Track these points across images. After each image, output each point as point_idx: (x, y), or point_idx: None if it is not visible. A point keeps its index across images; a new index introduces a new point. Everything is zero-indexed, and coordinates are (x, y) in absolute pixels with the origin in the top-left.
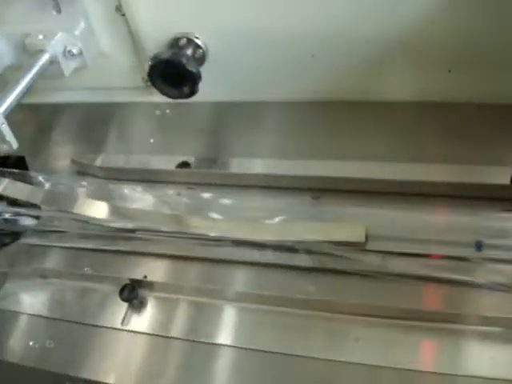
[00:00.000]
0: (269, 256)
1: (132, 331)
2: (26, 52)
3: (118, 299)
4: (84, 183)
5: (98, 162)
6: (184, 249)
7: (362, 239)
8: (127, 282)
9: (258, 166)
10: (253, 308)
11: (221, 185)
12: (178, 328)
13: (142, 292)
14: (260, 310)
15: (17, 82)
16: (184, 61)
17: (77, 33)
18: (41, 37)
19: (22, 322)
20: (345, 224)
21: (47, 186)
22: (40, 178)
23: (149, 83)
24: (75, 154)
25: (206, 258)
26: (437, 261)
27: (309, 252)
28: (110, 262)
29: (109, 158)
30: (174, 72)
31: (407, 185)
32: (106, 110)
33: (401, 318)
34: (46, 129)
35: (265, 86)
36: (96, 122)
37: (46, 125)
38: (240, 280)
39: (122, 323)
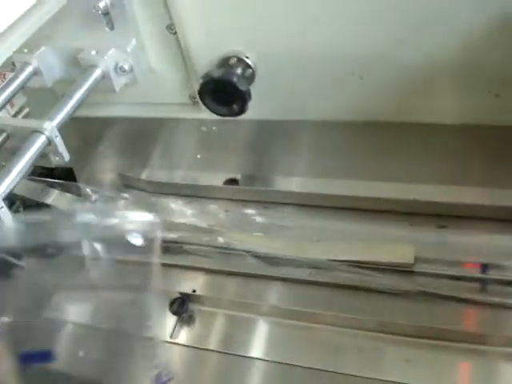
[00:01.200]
0: (320, 275)
1: (180, 344)
2: (78, 67)
3: (166, 312)
4: (131, 196)
5: (144, 176)
6: (230, 264)
7: (411, 260)
8: (176, 295)
9: (303, 185)
10: (299, 325)
11: (268, 202)
12: (224, 342)
13: (191, 306)
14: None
15: (70, 96)
16: (235, 80)
17: (128, 50)
18: (94, 52)
19: (71, 333)
20: (393, 245)
21: (94, 197)
22: (88, 189)
23: (196, 100)
24: (122, 168)
25: (252, 273)
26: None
27: (351, 271)
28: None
29: (155, 172)
30: (224, 90)
31: (451, 207)
32: (153, 125)
33: (449, 339)
34: (94, 142)
35: (311, 106)
36: (143, 136)
37: (94, 138)
38: (285, 296)
39: (171, 336)
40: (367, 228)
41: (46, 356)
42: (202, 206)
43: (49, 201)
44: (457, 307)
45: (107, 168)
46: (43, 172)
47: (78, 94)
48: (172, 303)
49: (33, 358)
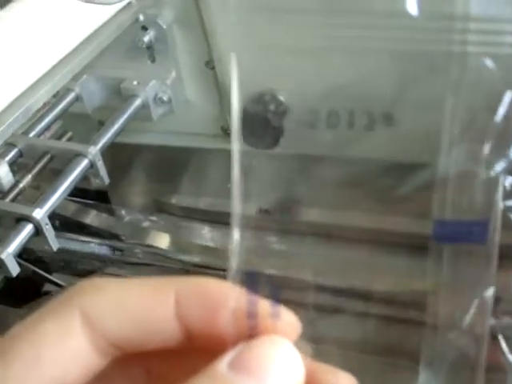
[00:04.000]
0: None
1: None
2: (119, 95)
3: None
4: (160, 219)
5: (176, 201)
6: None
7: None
8: None
9: (331, 216)
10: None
11: (295, 232)
12: None
13: None
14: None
15: (112, 123)
16: (269, 116)
17: (168, 82)
18: (135, 83)
19: None
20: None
21: (127, 219)
22: (122, 211)
23: (228, 132)
24: (154, 193)
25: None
26: None
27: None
28: None
29: (186, 199)
30: (258, 125)
31: None
32: (186, 153)
33: None
34: (128, 167)
35: (341, 143)
36: (176, 164)
37: (128, 164)
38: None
39: None
40: (384, 259)
41: None
42: (227, 232)
43: (87, 220)
44: None
45: (139, 192)
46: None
47: (120, 122)
48: None
49: None
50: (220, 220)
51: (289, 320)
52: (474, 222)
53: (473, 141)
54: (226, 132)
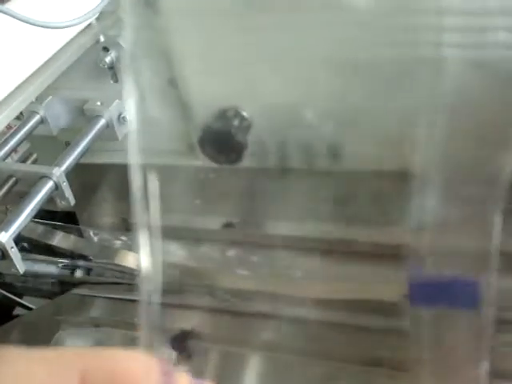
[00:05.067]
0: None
1: None
2: (83, 116)
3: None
4: (129, 239)
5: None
6: (223, 302)
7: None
8: (176, 332)
9: (296, 229)
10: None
11: (262, 245)
12: (220, 376)
13: (190, 343)
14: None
15: (76, 144)
16: (233, 131)
17: None
18: (98, 103)
19: None
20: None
21: (96, 239)
22: (90, 232)
23: (193, 148)
24: (122, 212)
25: (244, 311)
26: None
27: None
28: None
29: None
30: (222, 140)
31: None
32: (152, 171)
33: None
34: (95, 187)
35: (301, 155)
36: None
37: (95, 184)
38: (278, 332)
39: None
40: (355, 269)
41: None
42: (197, 248)
43: (54, 242)
44: None
45: (108, 212)
46: (44, 215)
47: (84, 142)
48: (172, 340)
49: None
50: (190, 236)
51: None
52: (461, 281)
53: (455, 179)
54: (192, 149)
